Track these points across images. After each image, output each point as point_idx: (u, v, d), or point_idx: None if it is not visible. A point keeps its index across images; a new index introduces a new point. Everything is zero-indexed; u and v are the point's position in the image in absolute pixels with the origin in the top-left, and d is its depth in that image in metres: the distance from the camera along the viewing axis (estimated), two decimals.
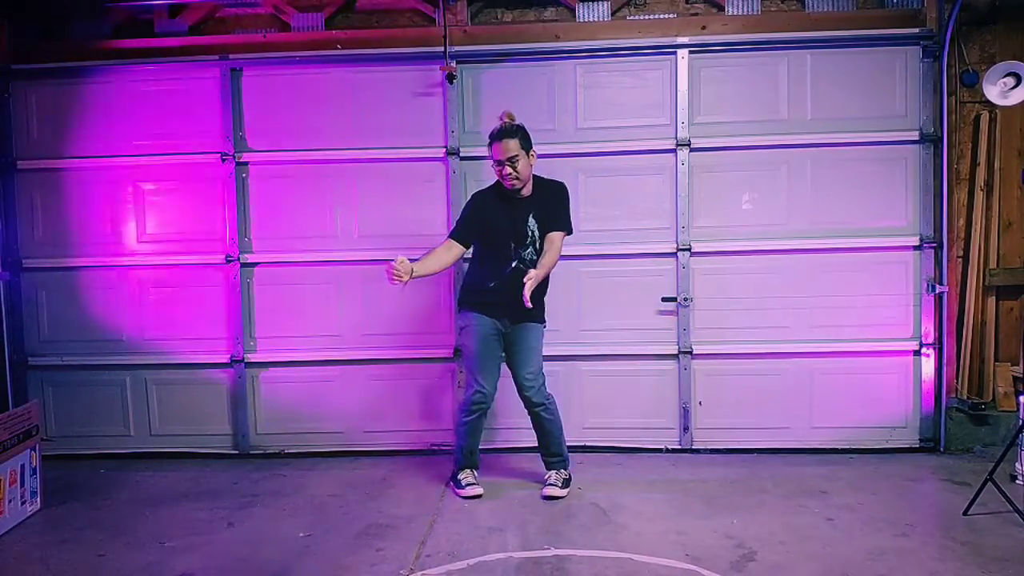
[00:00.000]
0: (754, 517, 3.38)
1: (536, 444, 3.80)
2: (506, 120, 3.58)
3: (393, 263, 3.33)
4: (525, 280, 3.41)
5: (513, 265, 3.61)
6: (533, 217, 3.62)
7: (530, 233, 3.62)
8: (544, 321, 3.73)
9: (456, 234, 3.68)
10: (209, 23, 4.57)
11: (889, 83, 4.23)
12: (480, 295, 3.68)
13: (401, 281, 3.36)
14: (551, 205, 3.66)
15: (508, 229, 3.61)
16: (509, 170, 3.52)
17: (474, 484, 3.70)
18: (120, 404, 4.52)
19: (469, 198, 3.81)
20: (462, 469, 3.76)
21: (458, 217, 3.74)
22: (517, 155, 3.51)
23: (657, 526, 3.30)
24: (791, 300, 4.28)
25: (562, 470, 3.74)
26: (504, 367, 3.77)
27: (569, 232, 3.69)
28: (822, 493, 3.67)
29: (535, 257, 3.61)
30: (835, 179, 4.26)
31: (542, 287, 3.66)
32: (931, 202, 4.22)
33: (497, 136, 3.53)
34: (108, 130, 4.45)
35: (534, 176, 3.67)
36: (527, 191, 3.63)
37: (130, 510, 3.64)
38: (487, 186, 3.77)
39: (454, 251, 3.62)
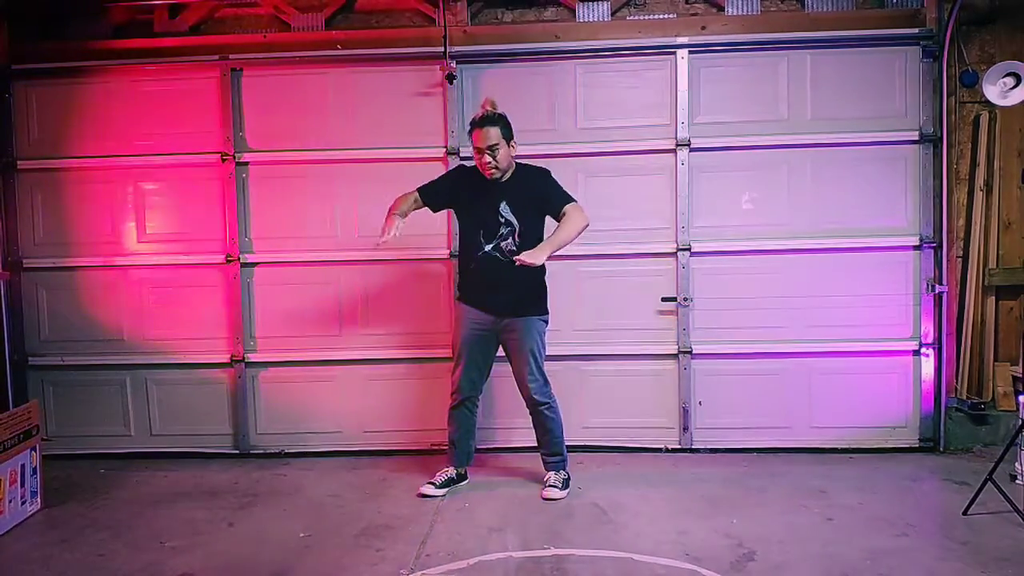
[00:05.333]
0: (754, 517, 3.38)
1: (535, 444, 3.81)
2: (488, 108, 3.56)
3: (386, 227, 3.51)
4: (525, 255, 3.36)
5: (488, 250, 3.58)
6: (507, 204, 3.57)
7: (503, 219, 3.57)
8: (542, 313, 3.69)
9: (423, 188, 3.69)
10: (209, 23, 4.57)
11: (889, 83, 4.23)
12: (466, 279, 3.71)
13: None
14: (534, 192, 3.61)
15: (477, 214, 3.61)
16: (488, 158, 3.51)
17: (432, 484, 3.70)
18: (120, 404, 4.52)
19: (455, 167, 3.85)
20: (447, 464, 3.81)
21: (436, 178, 3.78)
22: (498, 143, 3.51)
23: (657, 526, 3.30)
24: (791, 300, 4.28)
25: (561, 470, 3.74)
26: (497, 366, 3.79)
27: (575, 202, 3.60)
28: (822, 493, 3.67)
29: (514, 248, 3.55)
30: (835, 179, 4.26)
31: (537, 278, 3.63)
32: (931, 202, 4.23)
33: (478, 123, 3.53)
34: (108, 130, 4.45)
35: (519, 166, 3.68)
36: (505, 176, 3.62)
37: (130, 510, 3.64)
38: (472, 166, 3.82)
39: (419, 205, 3.68)
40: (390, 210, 3.62)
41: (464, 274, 3.73)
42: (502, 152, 3.52)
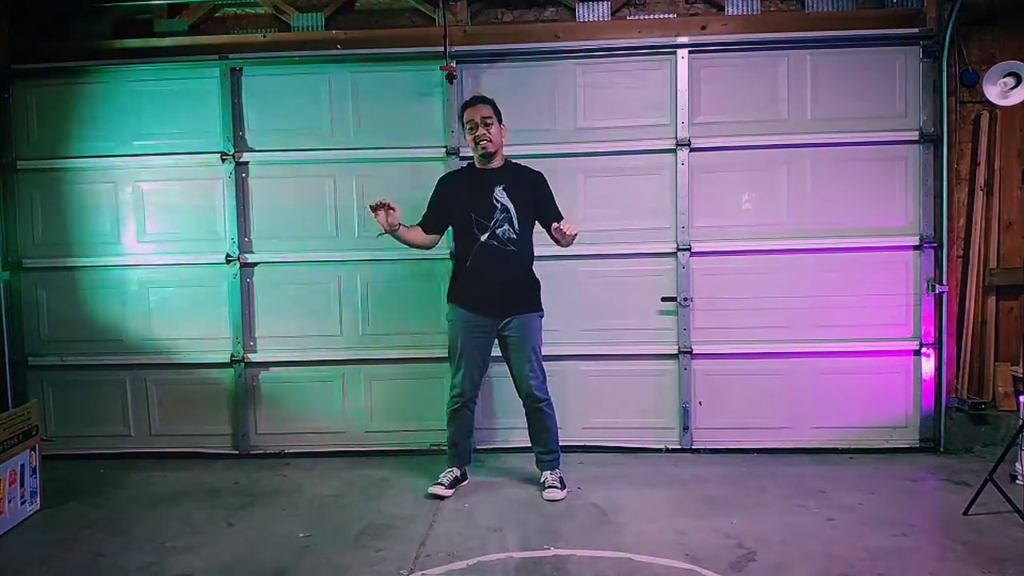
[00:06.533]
0: (754, 517, 3.38)
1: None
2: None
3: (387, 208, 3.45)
4: (561, 228, 3.42)
5: (484, 239, 3.57)
6: (504, 190, 3.59)
7: (499, 204, 3.58)
8: (539, 309, 3.71)
9: (422, 220, 3.72)
10: (209, 23, 4.58)
11: (889, 83, 4.23)
12: (460, 280, 3.69)
13: (382, 223, 3.46)
14: (533, 187, 3.66)
15: (469, 201, 3.60)
16: (483, 131, 3.55)
17: (441, 485, 3.68)
18: (120, 404, 4.52)
19: (437, 182, 3.83)
20: (449, 465, 3.80)
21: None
22: (491, 117, 3.58)
23: (657, 526, 3.29)
24: (791, 300, 4.28)
25: (556, 470, 3.75)
26: (497, 366, 3.80)
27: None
28: (822, 493, 3.67)
29: (513, 236, 3.57)
30: (835, 179, 4.26)
31: (530, 273, 3.68)
32: (931, 202, 4.22)
33: (471, 101, 3.66)
34: (108, 130, 4.44)
35: (509, 160, 3.70)
36: (497, 162, 3.65)
37: (130, 510, 3.64)
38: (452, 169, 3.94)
39: (429, 237, 3.71)
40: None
41: (459, 274, 3.70)
42: (495, 128, 3.59)
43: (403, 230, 3.57)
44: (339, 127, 4.40)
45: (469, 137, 3.62)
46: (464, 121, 3.63)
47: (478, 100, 3.64)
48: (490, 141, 3.58)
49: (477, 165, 3.69)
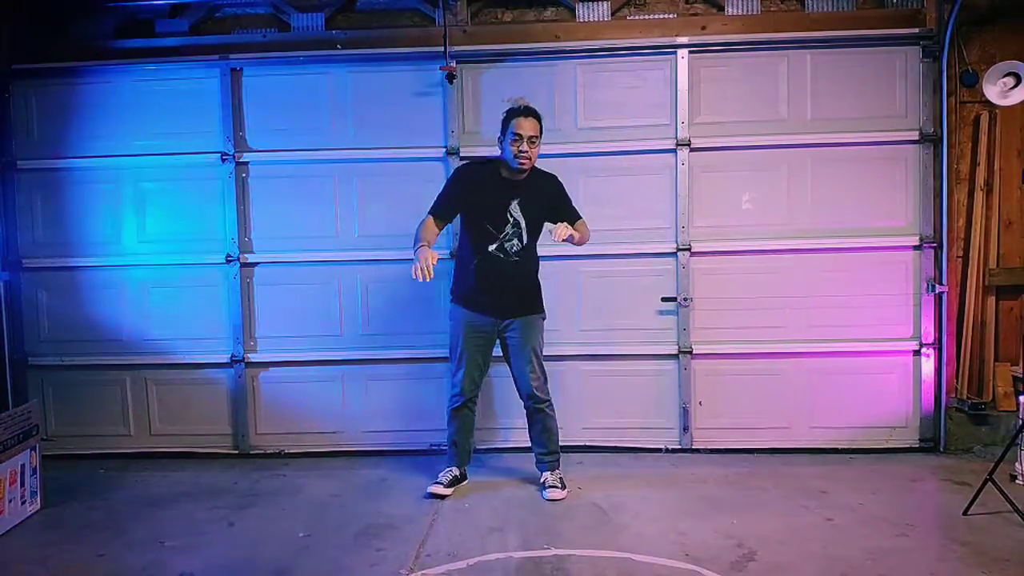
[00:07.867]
0: (754, 517, 3.38)
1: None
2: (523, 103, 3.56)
3: (426, 264, 3.28)
4: (561, 232, 3.39)
5: (491, 249, 3.56)
6: (518, 204, 3.56)
7: (512, 219, 3.56)
8: (541, 311, 3.71)
9: (435, 210, 3.60)
10: (209, 23, 4.57)
11: (889, 83, 4.23)
12: (462, 282, 3.68)
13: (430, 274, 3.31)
14: (550, 197, 3.64)
15: (485, 210, 3.57)
16: (527, 148, 3.49)
17: (440, 484, 3.68)
18: (120, 404, 4.52)
19: (453, 171, 3.80)
20: (448, 464, 3.80)
21: (440, 192, 3.67)
22: (537, 136, 3.53)
23: (657, 526, 3.29)
24: (791, 300, 4.28)
25: (557, 469, 3.75)
26: (498, 367, 3.79)
27: (583, 218, 3.69)
28: (822, 493, 3.67)
29: (519, 247, 3.57)
30: (835, 179, 4.26)
31: (536, 276, 3.68)
32: (931, 202, 4.22)
33: (527, 112, 3.52)
34: (108, 130, 4.44)
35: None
36: (520, 177, 3.60)
37: (130, 510, 3.64)
38: (473, 161, 3.83)
39: (440, 229, 3.62)
40: (420, 243, 3.42)
41: (461, 276, 3.69)
42: (537, 148, 3.54)
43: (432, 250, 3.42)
44: (339, 127, 4.40)
45: (512, 146, 3.49)
46: (511, 127, 3.49)
47: (533, 113, 3.52)
48: (529, 160, 3.51)
49: (502, 173, 3.59)
